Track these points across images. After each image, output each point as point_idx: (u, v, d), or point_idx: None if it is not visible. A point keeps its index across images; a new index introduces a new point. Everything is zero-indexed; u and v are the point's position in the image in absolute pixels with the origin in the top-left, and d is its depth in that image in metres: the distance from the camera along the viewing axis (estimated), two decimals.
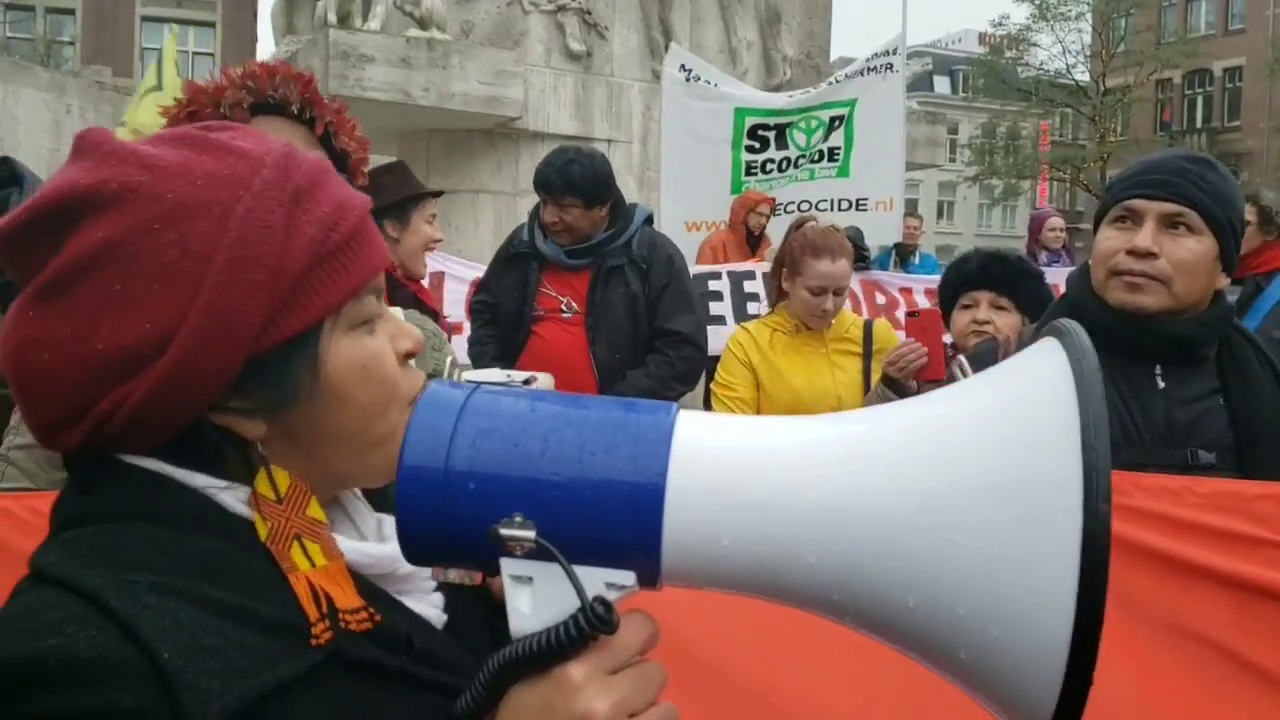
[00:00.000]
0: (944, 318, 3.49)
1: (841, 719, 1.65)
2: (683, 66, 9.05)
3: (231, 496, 0.95)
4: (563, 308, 4.20)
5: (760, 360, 3.93)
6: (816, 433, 0.83)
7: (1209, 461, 2.07)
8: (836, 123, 8.86)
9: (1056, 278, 4.36)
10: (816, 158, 8.88)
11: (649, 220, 4.39)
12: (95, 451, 0.94)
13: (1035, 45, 42.87)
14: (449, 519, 0.81)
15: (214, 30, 32.76)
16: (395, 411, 1.01)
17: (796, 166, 8.89)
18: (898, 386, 3.25)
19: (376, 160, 2.72)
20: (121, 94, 17.47)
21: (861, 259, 6.97)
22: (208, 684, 0.81)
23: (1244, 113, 43.68)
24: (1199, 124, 45.62)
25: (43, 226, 0.92)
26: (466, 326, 4.89)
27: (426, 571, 1.06)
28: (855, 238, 6.08)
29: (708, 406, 4.94)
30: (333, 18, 9.76)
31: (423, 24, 10.15)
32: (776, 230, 8.21)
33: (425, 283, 4.05)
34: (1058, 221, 9.09)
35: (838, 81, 9.19)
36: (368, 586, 0.98)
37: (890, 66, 8.93)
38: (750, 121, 8.90)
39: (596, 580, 0.80)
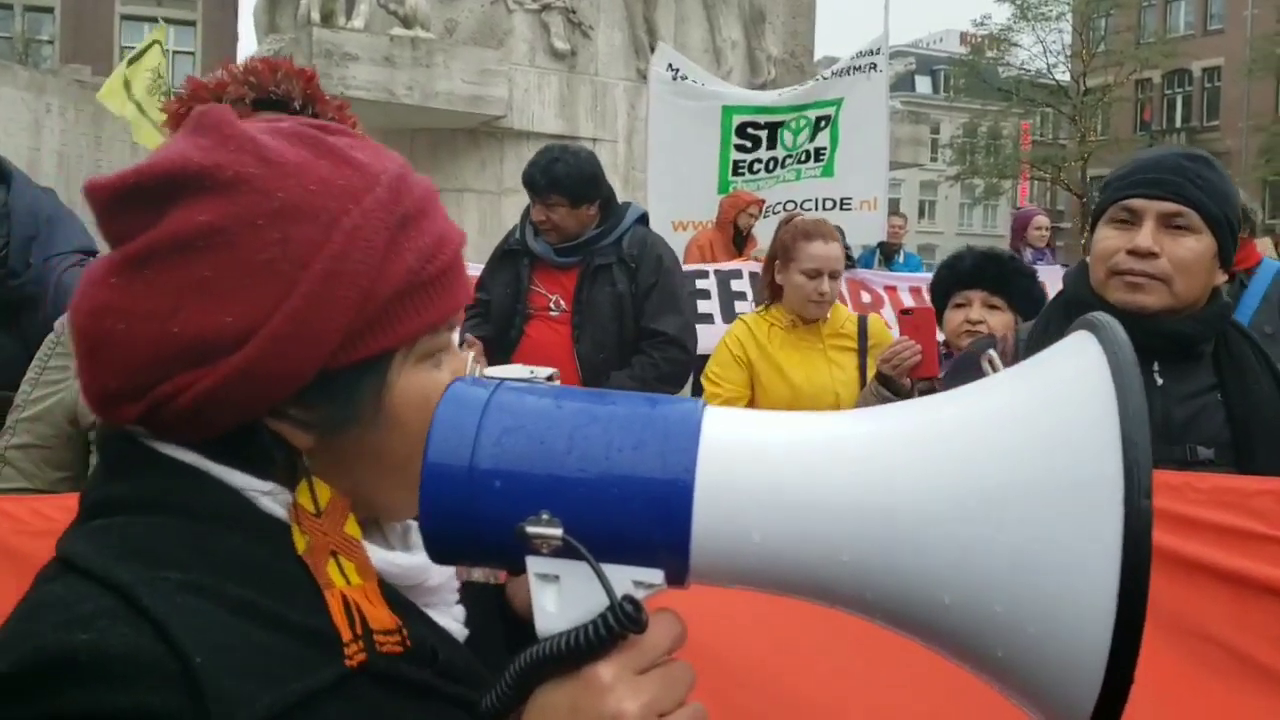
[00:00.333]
0: (937, 316, 3.48)
1: (857, 715, 1.64)
2: (670, 66, 9.05)
3: (271, 500, 0.93)
4: (551, 306, 4.18)
5: (758, 355, 3.92)
6: (848, 428, 0.82)
7: (1207, 457, 2.08)
8: (823, 123, 8.87)
9: (1042, 276, 4.37)
10: (803, 158, 8.89)
11: (643, 219, 4.37)
12: (128, 438, 0.92)
13: (1016, 45, 43.10)
14: (474, 517, 0.80)
15: (195, 29, 32.59)
16: None
17: (784, 167, 8.90)
18: (892, 384, 3.25)
19: None
20: None
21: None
22: (237, 690, 0.79)
23: (1223, 112, 43.95)
24: (1178, 123, 45.89)
25: (146, 194, 0.89)
26: None
27: (452, 584, 1.05)
28: None
29: None
30: (316, 16, 9.72)
31: (406, 22, 10.12)
32: (764, 232, 8.25)
33: None
34: (1043, 220, 9.15)
35: (825, 79, 9.21)
36: (394, 596, 0.97)
37: (874, 66, 8.96)
38: (739, 119, 8.90)
39: (624, 579, 0.79)
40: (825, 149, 8.88)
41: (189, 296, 0.87)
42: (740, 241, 7.70)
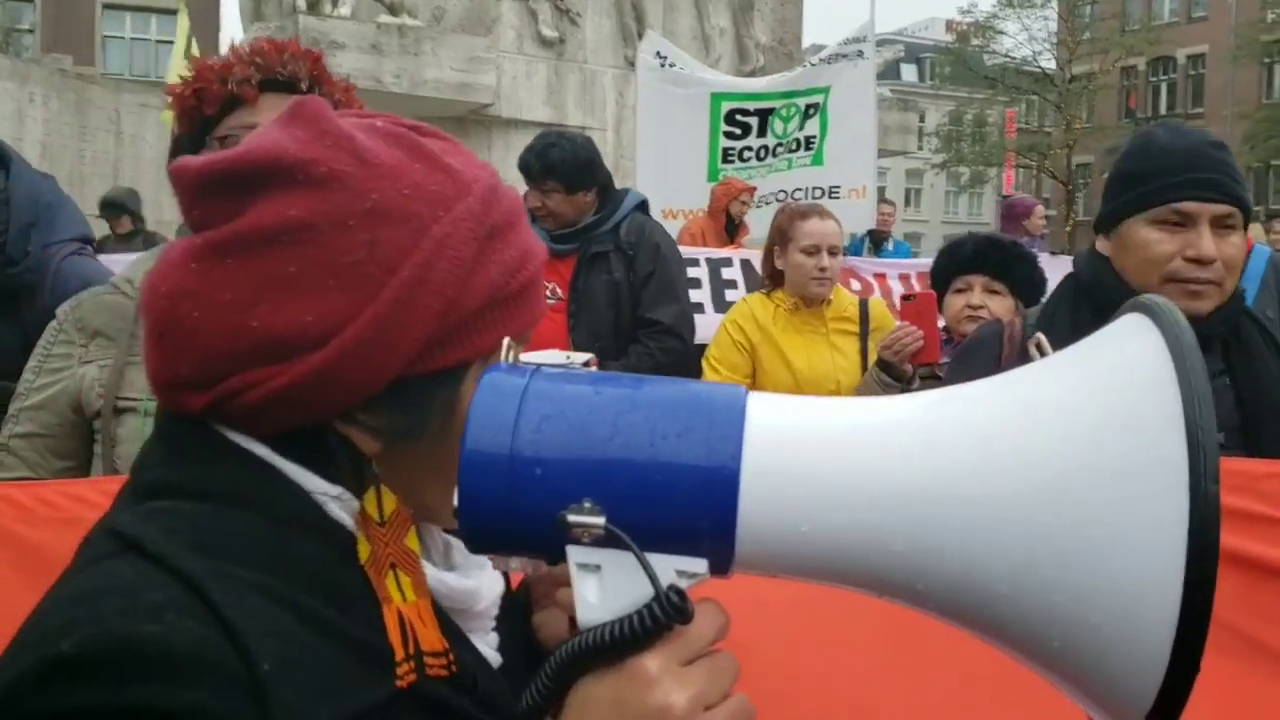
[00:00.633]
0: (937, 301, 3.48)
1: (885, 703, 1.63)
2: (658, 53, 9.01)
3: (338, 506, 0.91)
4: (548, 294, 4.13)
5: (761, 338, 3.91)
6: (896, 413, 0.80)
7: (1218, 441, 2.07)
8: (812, 110, 8.85)
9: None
10: (794, 146, 8.88)
11: (642, 207, 4.32)
12: (201, 423, 0.90)
13: (1002, 33, 43.13)
14: (513, 506, 0.78)
15: (177, 18, 32.34)
16: None
17: (775, 155, 8.88)
18: (893, 370, 3.24)
19: None
20: (85, 82, 17.23)
21: None
22: (299, 702, 0.78)
23: (1207, 99, 44.08)
24: (1163, 111, 45.97)
25: (237, 182, 0.88)
26: None
27: (493, 610, 1.03)
28: None
29: None
30: (302, 3, 9.67)
31: (393, 10, 10.07)
32: (757, 223, 8.23)
33: None
34: (1042, 209, 9.18)
35: (813, 66, 9.20)
36: (441, 617, 0.95)
37: (861, 53, 8.96)
38: (727, 106, 8.88)
39: (667, 568, 0.77)
40: (815, 137, 8.87)
41: (271, 291, 0.86)
42: (732, 230, 7.68)
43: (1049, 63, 42.58)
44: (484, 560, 1.05)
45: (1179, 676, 0.70)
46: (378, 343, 0.86)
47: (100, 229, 8.89)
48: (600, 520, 0.75)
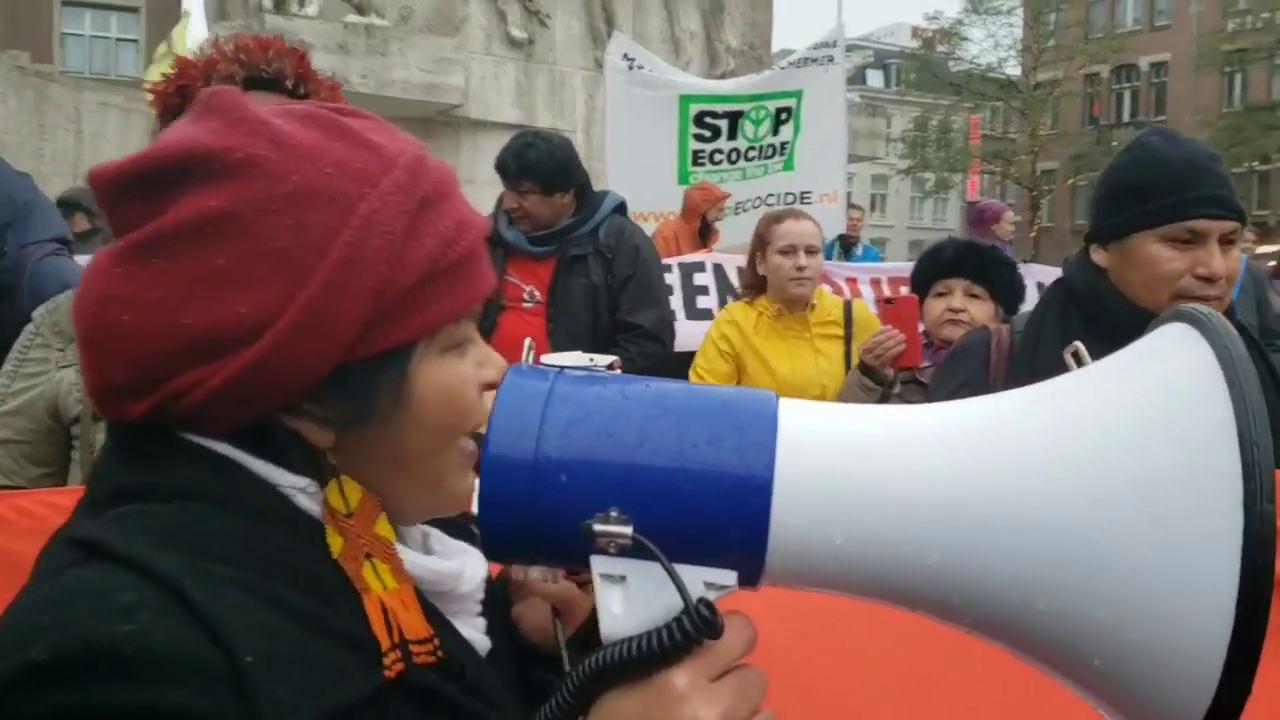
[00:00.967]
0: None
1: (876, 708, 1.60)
2: (625, 55, 8.95)
3: (306, 498, 0.89)
4: (525, 297, 4.09)
5: (744, 346, 3.91)
6: (933, 422, 0.78)
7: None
8: (784, 115, 8.84)
9: None
10: (769, 153, 8.86)
11: (620, 209, 4.28)
12: (160, 426, 0.87)
13: (967, 39, 43.47)
14: (537, 513, 0.75)
15: (138, 15, 31.98)
16: (454, 448, 0.95)
17: (747, 159, 8.85)
18: (874, 374, 3.23)
19: None
20: (44, 80, 16.98)
21: None
22: (285, 697, 0.75)
23: (1170, 107, 44.57)
24: (1126, 118, 46.51)
25: (153, 180, 0.86)
26: None
27: (478, 594, 1.01)
28: None
29: None
30: (268, 3, 9.57)
31: (361, 10, 9.98)
32: (733, 230, 8.22)
33: None
34: (1011, 214, 9.23)
35: (782, 69, 9.19)
36: (422, 602, 0.92)
37: (831, 58, 8.96)
38: (696, 108, 8.84)
39: (695, 580, 0.75)
40: (789, 143, 8.86)
41: (201, 286, 0.83)
42: (704, 234, 7.64)
43: (1014, 69, 42.99)
44: (463, 545, 1.04)
45: (1229, 699, 0.68)
46: (314, 328, 0.83)
47: None
48: (627, 530, 0.73)
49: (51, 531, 0.88)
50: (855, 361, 3.38)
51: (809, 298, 3.92)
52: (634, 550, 0.73)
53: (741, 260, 6.91)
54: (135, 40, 31.30)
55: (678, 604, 0.73)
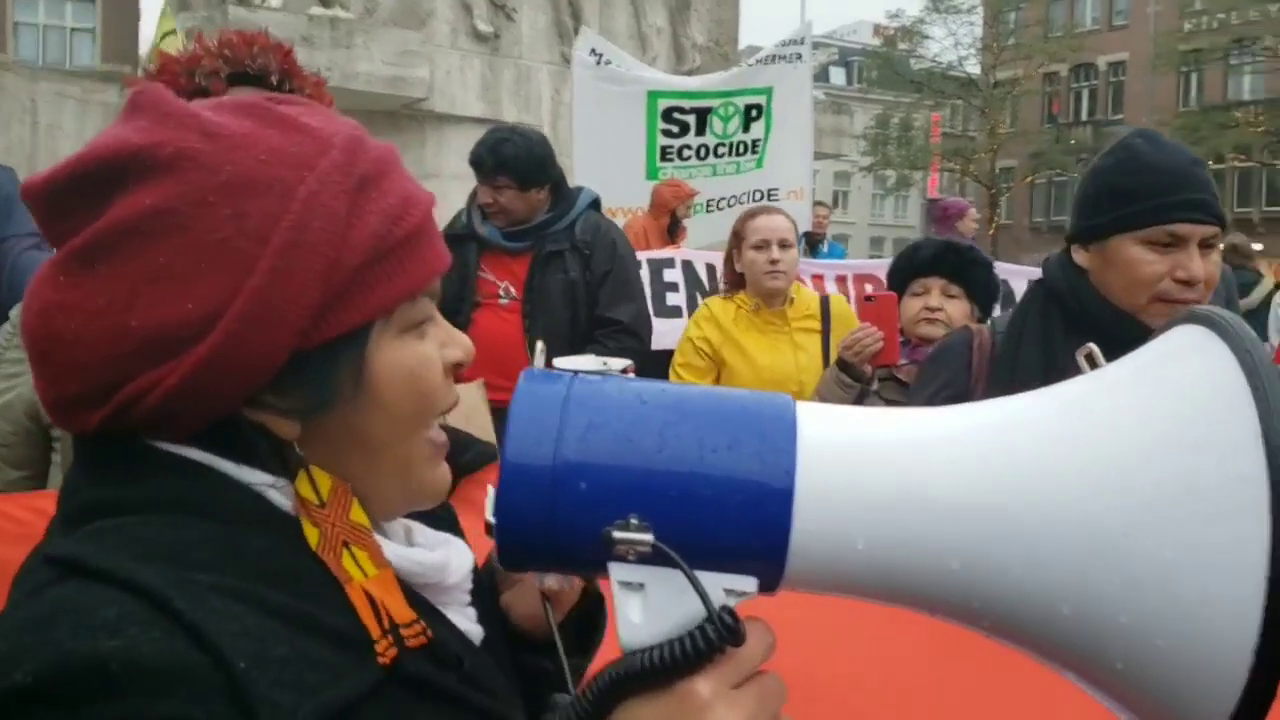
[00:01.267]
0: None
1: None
2: (593, 50, 8.94)
3: (279, 494, 0.88)
4: (500, 293, 4.06)
5: (722, 340, 3.95)
6: (954, 425, 0.77)
7: None
8: (754, 112, 8.86)
9: None
10: (741, 150, 8.88)
11: (595, 204, 4.27)
12: (124, 436, 0.85)
13: (928, 38, 43.78)
14: (555, 521, 0.74)
15: (93, 4, 31.49)
16: (421, 435, 0.94)
17: (717, 155, 8.86)
18: (852, 370, 3.25)
19: None
20: None
21: None
22: (281, 698, 0.74)
23: (1127, 106, 45.07)
24: (1084, 116, 47.02)
25: (86, 185, 0.84)
26: None
27: (466, 583, 1.00)
28: None
29: None
30: None
31: (325, 2, 9.89)
32: (705, 228, 8.24)
33: None
34: (974, 212, 9.29)
35: (750, 67, 9.22)
36: (411, 595, 0.91)
37: (799, 56, 8.99)
38: (664, 104, 8.84)
39: (715, 586, 0.74)
40: (760, 140, 8.89)
41: (145, 285, 0.82)
42: (673, 230, 7.65)
43: (974, 68, 43.35)
44: (446, 536, 1.03)
45: (1252, 703, 0.68)
46: (264, 316, 0.82)
47: None
48: (648, 537, 0.72)
49: (35, 538, 0.87)
50: (834, 357, 3.40)
51: (785, 291, 3.97)
52: (653, 557, 0.73)
53: (711, 257, 6.94)
54: (91, 29, 30.83)
55: (697, 611, 0.73)
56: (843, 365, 3.26)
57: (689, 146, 8.85)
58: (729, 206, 8.66)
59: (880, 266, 7.92)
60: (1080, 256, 2.15)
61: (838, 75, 56.04)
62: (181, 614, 0.74)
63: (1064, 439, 0.74)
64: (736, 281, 4.06)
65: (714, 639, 0.72)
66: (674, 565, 0.72)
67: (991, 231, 37.71)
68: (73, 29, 30.69)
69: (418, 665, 0.86)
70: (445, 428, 0.99)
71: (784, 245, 3.89)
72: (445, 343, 0.96)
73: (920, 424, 0.78)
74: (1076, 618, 0.71)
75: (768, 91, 8.88)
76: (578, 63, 8.82)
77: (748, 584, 0.76)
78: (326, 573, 0.85)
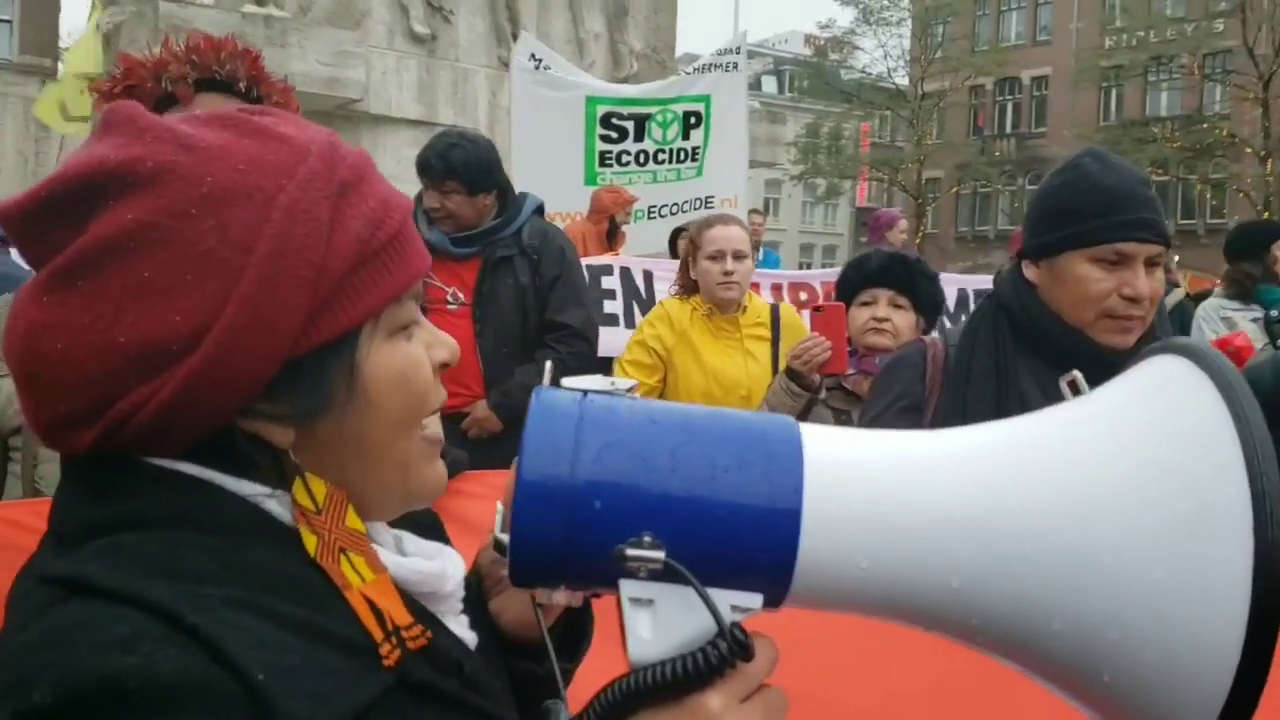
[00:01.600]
0: None
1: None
2: (532, 56, 8.94)
3: (278, 504, 0.88)
4: (448, 298, 4.05)
5: (676, 342, 4.02)
6: (953, 448, 0.80)
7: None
8: (694, 120, 8.92)
9: None
10: (680, 157, 8.93)
11: (539, 210, 4.29)
12: (115, 454, 0.85)
13: (858, 49, 44.36)
14: (569, 538, 0.75)
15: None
16: (415, 435, 0.95)
17: (657, 162, 8.91)
18: (801, 379, 3.29)
19: None
20: None
21: None
22: (298, 708, 0.75)
23: (1049, 119, 46.09)
24: (1009, 129, 47.95)
25: (65, 204, 0.84)
26: None
27: (460, 591, 1.02)
28: None
29: None
30: None
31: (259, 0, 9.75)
32: (646, 236, 8.27)
33: None
34: (905, 224, 9.41)
35: (688, 74, 9.29)
36: (412, 604, 0.92)
37: (735, 65, 9.08)
38: (602, 110, 8.87)
39: (723, 603, 0.76)
40: (699, 148, 8.95)
41: (130, 300, 0.82)
42: (611, 237, 7.66)
43: (902, 79, 43.97)
44: (439, 545, 1.04)
45: (1236, 712, 0.71)
46: (255, 326, 0.82)
47: None
48: (660, 555, 0.74)
49: (3, 548, 0.86)
50: (783, 365, 3.44)
51: (738, 301, 4.04)
52: (663, 574, 0.74)
53: (649, 264, 6.97)
54: (9, 21, 30.01)
55: (706, 627, 0.75)
56: (791, 374, 3.30)
57: (628, 152, 8.89)
58: (671, 214, 8.72)
59: (815, 276, 8.04)
60: (1030, 272, 2.21)
61: (770, 84, 56.49)
62: (196, 629, 0.74)
63: (1057, 465, 0.77)
64: (690, 287, 4.12)
65: (725, 654, 0.74)
66: (685, 582, 0.74)
67: (918, 241, 38.27)
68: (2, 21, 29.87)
69: (421, 671, 0.87)
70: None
71: (738, 256, 3.96)
72: (431, 343, 0.97)
73: (920, 447, 0.81)
74: (1069, 633, 0.75)
75: (706, 99, 8.95)
76: (516, 67, 8.81)
77: (754, 600, 0.78)
78: (327, 581, 0.86)
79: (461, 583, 1.03)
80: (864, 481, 0.77)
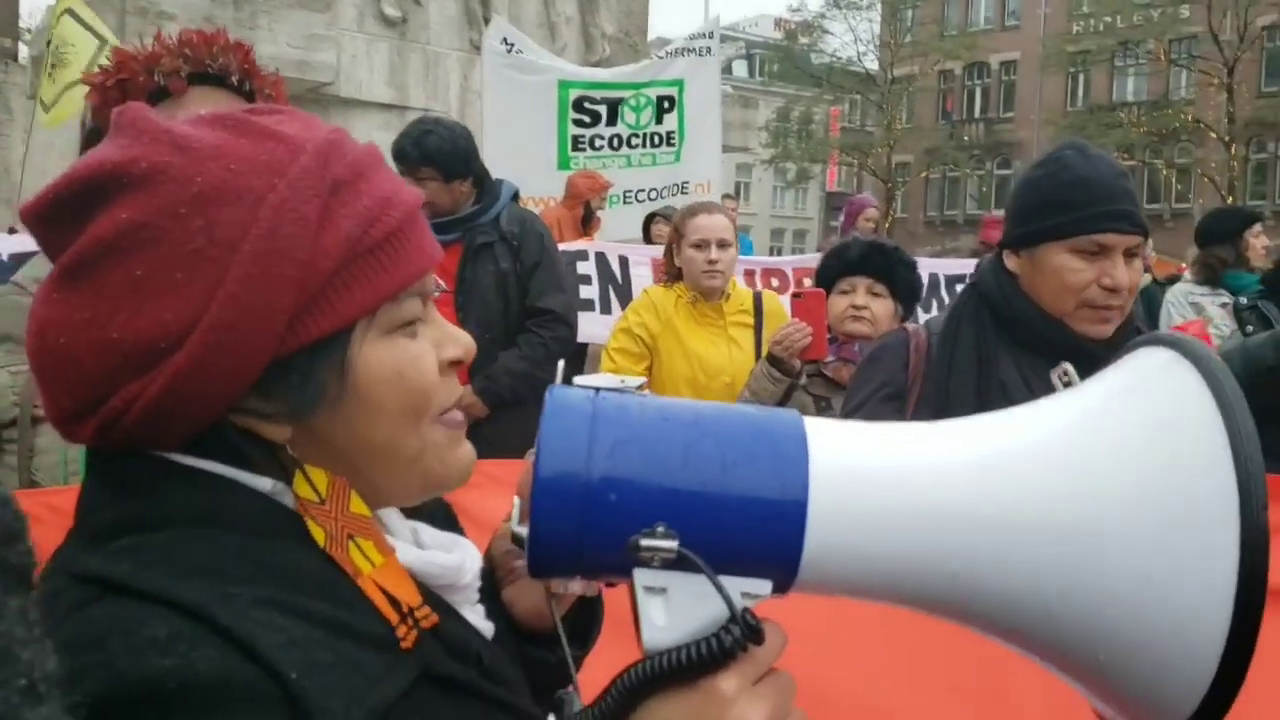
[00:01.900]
0: None
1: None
2: (504, 40, 8.88)
3: (290, 500, 0.89)
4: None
5: (661, 329, 4.05)
6: (952, 440, 0.84)
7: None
8: (667, 104, 8.90)
9: None
10: (655, 142, 8.91)
11: (515, 196, 4.30)
12: (137, 450, 0.87)
13: (828, 33, 44.43)
14: (585, 531, 0.78)
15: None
16: (427, 426, 0.95)
17: (630, 146, 8.89)
18: (781, 365, 3.33)
19: None
20: None
21: None
22: (334, 704, 0.77)
23: (1017, 104, 46.36)
24: (977, 114, 48.17)
25: (71, 204, 0.86)
26: None
27: (476, 581, 1.03)
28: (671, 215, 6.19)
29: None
30: None
31: None
32: (620, 221, 8.25)
33: None
34: (873, 213, 9.45)
35: (660, 59, 9.27)
36: (430, 596, 0.94)
37: (709, 49, 9.07)
38: (575, 94, 8.84)
39: (734, 590, 0.78)
40: (674, 133, 8.93)
41: (124, 299, 0.84)
42: (586, 222, 7.65)
43: (872, 64, 44.09)
44: (455, 536, 1.06)
45: (1222, 692, 0.75)
46: (240, 324, 0.83)
47: None
48: (673, 544, 0.76)
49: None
50: (765, 351, 3.48)
51: (722, 289, 4.08)
52: (676, 563, 0.77)
53: (625, 250, 6.97)
54: None
55: (718, 613, 0.77)
56: (772, 359, 3.34)
57: (601, 137, 8.86)
58: (648, 199, 8.71)
59: (788, 263, 8.05)
60: (1012, 262, 2.25)
61: (740, 68, 56.45)
62: (230, 629, 0.76)
63: (1053, 455, 0.80)
64: (674, 274, 4.16)
65: (739, 638, 0.77)
66: (697, 570, 0.77)
67: (888, 225, 38.43)
68: None
69: (443, 664, 0.89)
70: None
71: (722, 245, 3.99)
72: (440, 341, 0.97)
73: (919, 440, 0.84)
74: (1065, 615, 0.78)
75: (679, 84, 8.94)
76: (488, 51, 8.76)
77: (763, 587, 0.80)
78: (343, 574, 0.87)
79: (478, 574, 1.04)
80: (867, 474, 0.81)
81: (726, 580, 0.78)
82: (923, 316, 4.79)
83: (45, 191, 0.88)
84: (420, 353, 0.95)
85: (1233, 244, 5.76)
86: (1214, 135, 35.43)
